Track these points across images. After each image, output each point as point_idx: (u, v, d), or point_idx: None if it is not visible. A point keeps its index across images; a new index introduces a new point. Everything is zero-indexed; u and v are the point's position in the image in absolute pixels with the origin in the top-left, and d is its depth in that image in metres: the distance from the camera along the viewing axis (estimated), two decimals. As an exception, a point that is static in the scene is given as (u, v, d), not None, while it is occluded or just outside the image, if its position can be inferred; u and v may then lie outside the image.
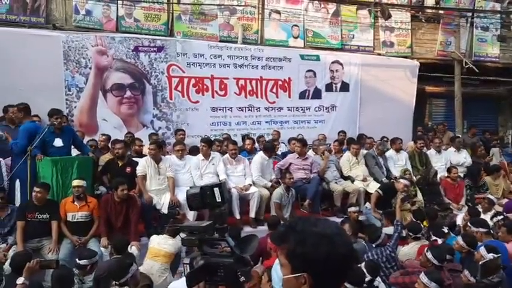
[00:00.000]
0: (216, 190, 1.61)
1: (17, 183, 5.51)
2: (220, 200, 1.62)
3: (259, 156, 6.89)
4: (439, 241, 4.95)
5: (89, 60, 7.79)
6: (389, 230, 5.32)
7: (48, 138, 5.55)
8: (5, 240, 4.96)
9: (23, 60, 7.19)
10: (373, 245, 4.79)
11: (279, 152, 7.85)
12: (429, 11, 11.38)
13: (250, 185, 6.45)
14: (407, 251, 4.96)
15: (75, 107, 7.73)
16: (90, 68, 7.80)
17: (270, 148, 7.06)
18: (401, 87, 10.32)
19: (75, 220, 5.17)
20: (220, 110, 8.85)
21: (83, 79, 7.76)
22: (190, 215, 5.71)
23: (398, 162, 7.81)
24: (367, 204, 6.77)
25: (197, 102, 8.62)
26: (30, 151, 5.31)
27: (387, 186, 6.76)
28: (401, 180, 6.58)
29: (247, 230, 6.11)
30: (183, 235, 1.62)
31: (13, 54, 7.16)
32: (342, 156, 7.68)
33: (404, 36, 11.05)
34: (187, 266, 1.50)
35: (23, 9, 8.08)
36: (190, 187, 1.72)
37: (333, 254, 1.24)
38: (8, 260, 4.37)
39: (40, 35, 7.61)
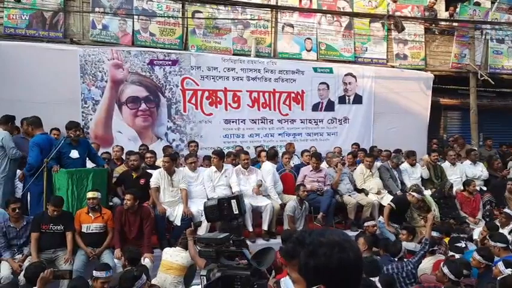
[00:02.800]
0: (233, 202, 1.62)
1: (29, 196, 5.61)
2: (237, 212, 1.63)
3: (269, 165, 6.89)
4: (456, 256, 4.86)
5: (105, 73, 7.92)
6: (407, 244, 5.25)
7: (65, 150, 5.65)
8: (21, 251, 5.01)
9: (42, 74, 7.36)
10: (395, 259, 4.70)
11: (292, 164, 7.83)
12: (443, 23, 11.36)
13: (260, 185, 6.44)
14: (423, 266, 4.87)
15: (91, 120, 7.85)
16: (106, 81, 7.94)
17: (272, 155, 7.17)
18: (416, 99, 10.26)
19: (89, 231, 5.21)
20: (233, 122, 8.89)
21: (99, 92, 7.90)
22: (203, 228, 5.70)
23: (413, 175, 7.72)
24: (380, 217, 6.68)
25: (210, 114, 8.69)
26: (46, 163, 5.40)
27: (400, 199, 6.67)
28: (413, 193, 6.45)
29: (260, 242, 6.10)
30: (199, 247, 1.62)
31: (32, 68, 7.34)
32: (355, 168, 7.63)
33: (418, 48, 11.01)
34: (204, 278, 1.50)
35: (42, 25, 8.28)
36: (208, 199, 1.74)
37: (345, 261, 1.24)
38: (23, 271, 4.41)
39: (58, 49, 7.79)
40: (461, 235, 6.00)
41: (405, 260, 4.71)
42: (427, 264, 4.86)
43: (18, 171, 5.94)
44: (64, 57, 7.70)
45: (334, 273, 1.23)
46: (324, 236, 1.28)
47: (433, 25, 11.19)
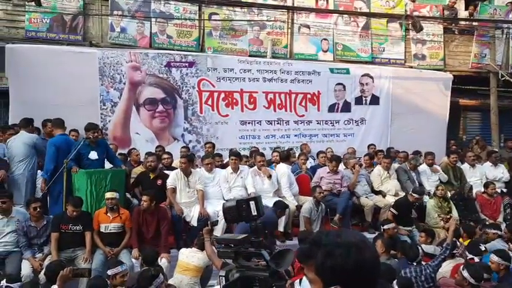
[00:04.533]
0: (252, 203, 1.63)
1: (48, 196, 5.75)
2: (255, 214, 1.63)
3: (284, 167, 6.87)
4: (476, 259, 4.76)
5: (123, 75, 8.02)
6: (426, 247, 5.17)
7: (84, 151, 5.75)
8: (41, 250, 5.10)
9: (62, 76, 7.48)
10: (413, 263, 4.64)
11: (308, 166, 7.80)
12: (462, 23, 11.17)
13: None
14: (442, 269, 4.78)
15: (109, 121, 7.95)
16: (124, 83, 8.03)
17: (285, 157, 7.13)
18: (434, 100, 10.11)
19: (107, 231, 5.28)
20: (249, 123, 8.90)
21: (117, 94, 8.00)
22: (219, 228, 5.72)
23: (431, 177, 7.61)
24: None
25: (227, 115, 8.71)
26: (66, 163, 5.50)
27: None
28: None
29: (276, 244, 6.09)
30: (218, 247, 1.63)
31: (52, 71, 7.47)
32: (372, 170, 7.56)
33: (436, 48, 10.86)
34: (223, 278, 1.51)
35: (62, 28, 8.45)
36: (227, 200, 1.75)
37: (362, 261, 1.24)
38: (44, 270, 4.50)
39: (77, 52, 7.91)
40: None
41: (424, 263, 4.63)
42: (446, 267, 4.78)
43: (39, 172, 6.08)
44: (83, 59, 7.81)
45: (350, 273, 1.24)
46: (341, 236, 1.29)
47: (453, 25, 11.01)
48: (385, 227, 5.79)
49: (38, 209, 5.06)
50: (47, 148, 5.76)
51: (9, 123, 7.06)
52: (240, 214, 1.65)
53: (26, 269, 4.80)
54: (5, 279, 3.92)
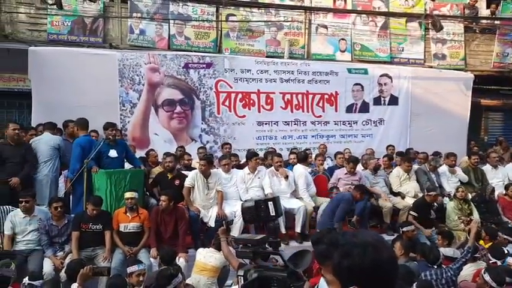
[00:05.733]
0: (270, 204, 1.64)
1: (71, 196, 5.87)
2: (274, 214, 1.64)
3: (301, 168, 6.84)
4: (499, 263, 4.66)
5: (142, 77, 8.13)
6: (445, 250, 5.08)
7: (104, 150, 5.86)
8: (62, 248, 5.19)
9: (82, 78, 7.62)
10: (434, 266, 4.56)
11: (325, 167, 7.76)
12: (484, 21, 10.95)
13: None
14: (463, 273, 4.69)
15: (128, 122, 8.06)
16: (143, 85, 8.14)
17: (303, 158, 7.07)
18: (455, 100, 9.94)
19: (127, 231, 5.34)
20: (266, 124, 8.90)
21: (136, 95, 8.10)
22: (236, 228, 5.73)
23: (452, 179, 7.48)
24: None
25: (244, 116, 8.73)
26: (86, 163, 5.60)
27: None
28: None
29: (293, 245, 6.08)
30: (236, 247, 1.64)
31: (73, 72, 7.61)
32: (391, 171, 7.47)
33: (457, 48, 10.68)
34: (242, 278, 1.51)
35: (83, 30, 8.61)
36: (245, 200, 1.76)
37: (379, 261, 1.24)
38: (64, 268, 4.58)
39: (97, 54, 8.05)
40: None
41: (444, 266, 4.55)
42: (467, 271, 4.69)
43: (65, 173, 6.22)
44: (103, 61, 7.95)
45: (368, 273, 1.23)
46: (357, 237, 1.30)
47: (474, 23, 10.80)
48: (404, 229, 5.71)
49: (59, 209, 5.15)
50: (73, 148, 5.87)
51: (32, 124, 7.24)
52: (259, 214, 1.66)
53: (47, 267, 4.88)
54: (27, 277, 4.01)
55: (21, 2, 8.28)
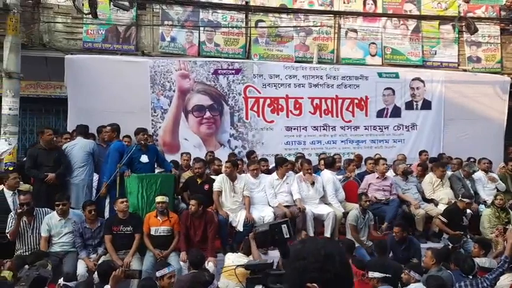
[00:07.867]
0: (284, 227, 1.69)
1: (107, 200, 6.01)
2: (288, 236, 1.69)
3: (329, 173, 6.77)
4: (538, 274, 4.45)
5: (173, 83, 8.28)
6: (480, 260, 4.91)
7: (136, 155, 6.01)
8: (95, 250, 5.33)
9: (115, 85, 7.86)
10: (469, 276, 4.41)
11: (355, 173, 7.64)
12: (521, 23, 10.56)
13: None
14: (500, 283, 4.51)
15: (159, 127, 8.23)
16: (174, 91, 8.29)
17: (330, 163, 7.00)
18: (490, 104, 9.61)
19: (157, 234, 5.43)
20: (294, 129, 8.88)
21: (167, 101, 8.26)
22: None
23: (488, 185, 7.23)
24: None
25: (272, 121, 8.74)
26: (119, 168, 5.75)
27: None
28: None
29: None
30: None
31: (107, 79, 7.86)
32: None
33: (493, 51, 10.33)
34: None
35: (116, 39, 8.86)
36: (260, 225, 1.81)
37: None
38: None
39: (130, 61, 8.28)
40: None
41: (479, 276, 4.39)
42: (504, 281, 4.50)
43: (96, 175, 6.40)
44: (136, 68, 8.16)
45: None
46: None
47: (510, 25, 10.43)
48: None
49: (93, 212, 5.31)
50: (111, 153, 6.04)
51: (68, 129, 7.49)
52: (274, 238, 1.72)
53: (81, 268, 5.03)
54: (62, 278, 4.14)
55: (59, 12, 8.61)
